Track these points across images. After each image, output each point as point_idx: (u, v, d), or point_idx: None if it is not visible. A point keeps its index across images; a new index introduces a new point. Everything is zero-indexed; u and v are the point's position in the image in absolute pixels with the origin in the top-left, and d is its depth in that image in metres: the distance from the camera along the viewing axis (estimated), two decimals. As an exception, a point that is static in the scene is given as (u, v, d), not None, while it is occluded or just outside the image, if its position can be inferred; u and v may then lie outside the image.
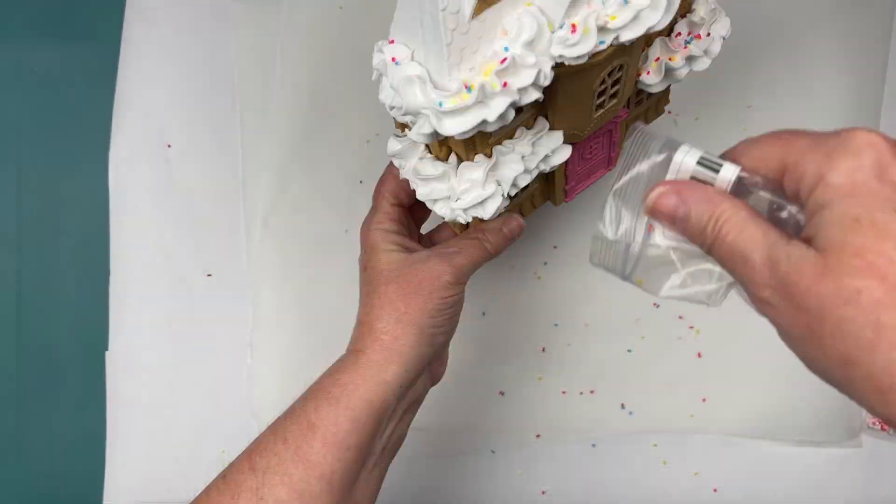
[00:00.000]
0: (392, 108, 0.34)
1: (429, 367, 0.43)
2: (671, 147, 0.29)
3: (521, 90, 0.31)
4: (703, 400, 0.54)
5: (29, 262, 0.53)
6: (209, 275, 0.54)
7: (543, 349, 0.55)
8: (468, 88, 0.30)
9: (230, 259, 0.54)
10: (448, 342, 0.43)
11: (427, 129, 0.32)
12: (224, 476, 0.39)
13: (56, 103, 0.54)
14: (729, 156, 0.29)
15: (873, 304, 0.23)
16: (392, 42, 0.33)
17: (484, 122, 0.31)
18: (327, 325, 0.53)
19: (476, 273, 0.43)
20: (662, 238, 0.30)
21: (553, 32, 0.31)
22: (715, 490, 0.54)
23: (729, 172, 0.28)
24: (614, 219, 0.31)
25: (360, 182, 0.54)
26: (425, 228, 0.47)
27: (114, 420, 0.53)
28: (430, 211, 0.45)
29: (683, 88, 0.44)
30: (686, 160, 0.28)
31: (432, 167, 0.37)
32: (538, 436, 0.54)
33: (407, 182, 0.39)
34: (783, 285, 0.25)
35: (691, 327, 0.54)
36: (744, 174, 0.28)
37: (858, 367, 0.23)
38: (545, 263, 0.54)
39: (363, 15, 0.55)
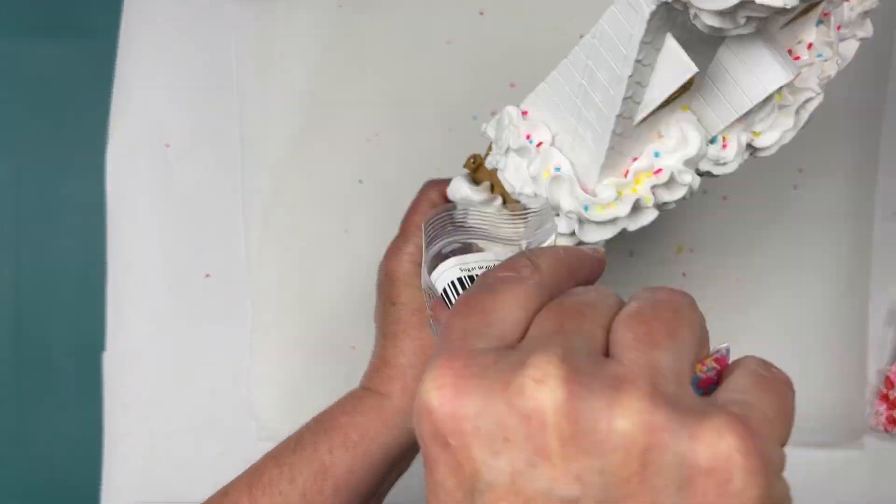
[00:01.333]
0: (522, 193, 0.31)
1: None
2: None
3: (667, 203, 0.30)
4: None
5: (26, 262, 0.53)
6: (208, 275, 0.53)
7: None
8: (618, 196, 0.29)
9: (229, 259, 0.53)
10: None
11: (565, 230, 0.30)
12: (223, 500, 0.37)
13: (54, 102, 0.54)
14: None
15: None
16: (525, 114, 0.30)
17: (624, 231, 0.29)
18: (327, 324, 0.53)
19: None
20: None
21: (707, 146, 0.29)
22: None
23: None
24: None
25: (360, 182, 0.54)
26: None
27: (111, 420, 0.52)
28: None
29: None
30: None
31: (512, 228, 0.33)
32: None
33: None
34: None
35: None
36: None
37: None
38: None
39: (363, 15, 0.54)
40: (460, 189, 0.34)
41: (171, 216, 0.53)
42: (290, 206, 0.53)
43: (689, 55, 0.26)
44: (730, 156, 0.29)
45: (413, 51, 0.54)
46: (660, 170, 0.27)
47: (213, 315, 0.53)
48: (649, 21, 0.25)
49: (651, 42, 0.26)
